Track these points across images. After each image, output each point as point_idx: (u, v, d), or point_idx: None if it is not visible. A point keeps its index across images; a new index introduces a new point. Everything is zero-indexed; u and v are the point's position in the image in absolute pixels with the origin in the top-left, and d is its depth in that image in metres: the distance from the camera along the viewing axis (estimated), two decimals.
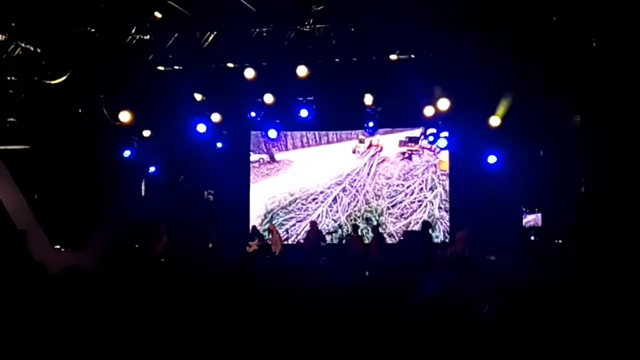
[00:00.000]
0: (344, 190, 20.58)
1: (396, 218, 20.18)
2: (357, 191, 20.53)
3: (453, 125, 17.54)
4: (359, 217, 20.08)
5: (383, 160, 20.36)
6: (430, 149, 19.86)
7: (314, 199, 20.74)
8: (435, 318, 4.57)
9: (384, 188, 20.33)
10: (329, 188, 20.67)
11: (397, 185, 20.29)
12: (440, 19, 13.63)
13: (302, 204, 20.79)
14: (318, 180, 20.75)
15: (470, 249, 16.06)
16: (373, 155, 20.45)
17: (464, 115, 16.78)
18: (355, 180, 20.53)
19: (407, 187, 20.28)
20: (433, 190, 20.13)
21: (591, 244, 14.07)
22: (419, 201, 20.14)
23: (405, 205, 20.18)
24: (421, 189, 20.17)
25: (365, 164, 20.51)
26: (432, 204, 20.11)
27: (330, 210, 20.59)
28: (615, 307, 5.06)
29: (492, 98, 16.21)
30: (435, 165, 20.08)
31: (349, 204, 20.50)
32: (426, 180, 20.14)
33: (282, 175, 21.03)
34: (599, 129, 15.07)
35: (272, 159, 21.03)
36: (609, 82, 14.14)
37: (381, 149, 20.41)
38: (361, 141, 20.50)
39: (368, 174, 20.47)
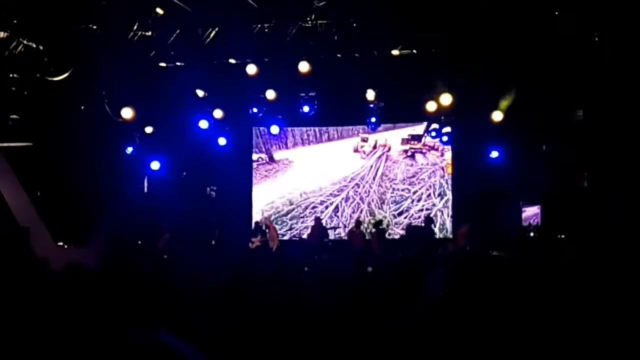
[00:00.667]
0: (346, 199, 19.76)
1: (403, 229, 19.10)
2: (361, 199, 19.65)
3: (455, 120, 17.51)
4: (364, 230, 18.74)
5: (386, 159, 19.70)
6: (434, 148, 19.34)
7: (313, 208, 19.98)
8: (437, 315, 4.58)
9: (388, 192, 19.53)
10: (330, 195, 19.84)
11: (403, 190, 19.44)
12: (441, 14, 13.64)
13: (301, 214, 20.08)
14: (319, 183, 19.97)
15: (471, 244, 16.07)
16: (380, 156, 19.71)
17: (467, 110, 16.76)
18: (359, 185, 19.69)
19: (414, 193, 19.38)
20: (442, 198, 19.22)
21: (594, 239, 14.07)
22: (427, 209, 19.24)
23: (412, 215, 19.23)
24: (429, 194, 19.25)
25: (372, 166, 19.72)
26: (442, 213, 19.23)
27: (331, 222, 19.75)
28: (617, 302, 5.05)
29: (494, 93, 16.19)
30: (443, 169, 19.30)
31: (351, 214, 19.67)
32: (434, 185, 19.29)
33: (281, 177, 20.37)
34: (601, 124, 15.07)
35: (271, 159, 20.48)
36: (611, 76, 14.12)
37: (389, 148, 19.66)
38: (364, 140, 19.81)
39: (374, 178, 19.63)
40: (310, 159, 20.28)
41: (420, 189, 19.41)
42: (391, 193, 19.59)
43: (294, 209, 20.20)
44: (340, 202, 19.89)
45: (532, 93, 15.82)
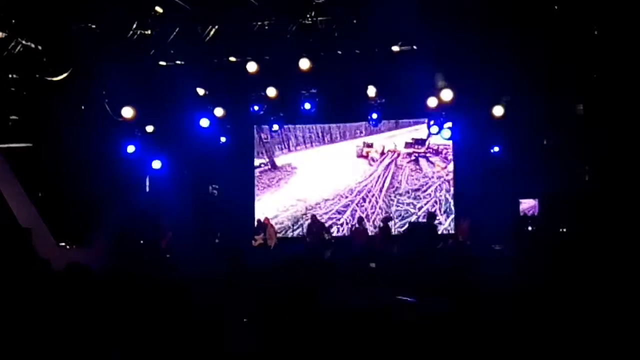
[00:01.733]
0: (352, 217, 19.33)
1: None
2: (367, 217, 19.14)
3: (456, 115, 17.49)
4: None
5: (394, 167, 19.34)
6: (438, 152, 19.14)
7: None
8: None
9: (392, 204, 19.12)
10: (336, 212, 19.36)
11: (408, 205, 19.05)
12: (442, 10, 13.60)
13: (306, 236, 19.26)
14: (323, 194, 19.60)
15: (472, 238, 16.11)
16: (388, 165, 19.37)
17: (468, 106, 16.75)
18: (365, 199, 19.29)
19: (419, 209, 18.99)
20: (449, 215, 18.81)
21: (595, 234, 14.06)
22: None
23: None
24: (435, 211, 18.77)
25: (379, 176, 19.35)
26: (450, 232, 18.55)
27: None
28: (617, 295, 5.04)
29: (495, 88, 16.18)
30: (448, 182, 19.02)
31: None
32: (440, 201, 18.93)
33: (285, 186, 20.08)
34: (602, 118, 15.07)
35: (274, 166, 20.28)
36: (611, 71, 14.11)
37: (398, 154, 19.36)
38: (369, 145, 19.55)
39: (380, 190, 19.25)
40: (314, 164, 19.99)
41: (425, 204, 19.01)
42: (396, 206, 19.20)
43: (298, 229, 19.82)
44: (347, 220, 19.49)
45: (533, 87, 15.80)
